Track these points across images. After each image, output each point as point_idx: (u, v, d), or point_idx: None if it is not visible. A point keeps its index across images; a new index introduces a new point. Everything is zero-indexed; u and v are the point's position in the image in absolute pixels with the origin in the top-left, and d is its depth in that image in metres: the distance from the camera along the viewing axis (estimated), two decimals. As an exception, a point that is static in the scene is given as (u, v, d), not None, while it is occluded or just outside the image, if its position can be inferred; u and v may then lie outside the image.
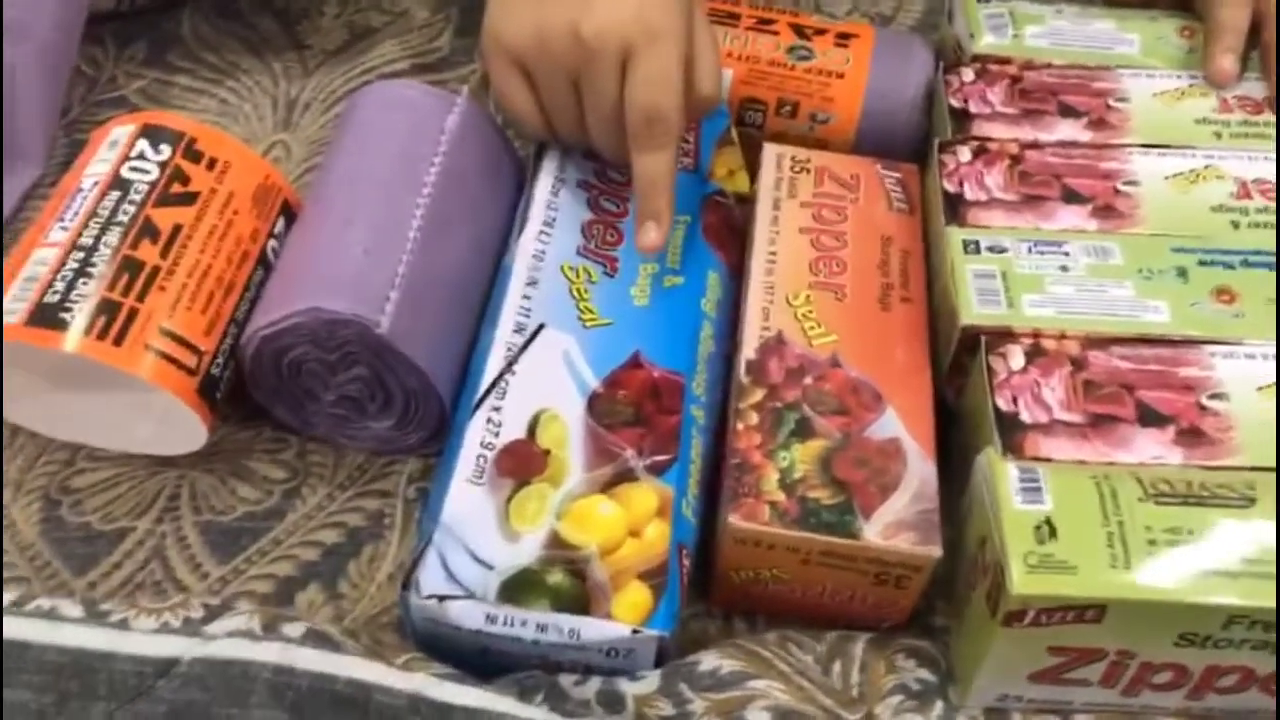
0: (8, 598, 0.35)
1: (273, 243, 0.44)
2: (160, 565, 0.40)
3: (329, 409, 0.42)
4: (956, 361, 0.42)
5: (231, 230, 0.42)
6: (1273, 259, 0.42)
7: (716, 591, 0.39)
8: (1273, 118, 0.47)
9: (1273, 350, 0.39)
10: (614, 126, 0.42)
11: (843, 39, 0.52)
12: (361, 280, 0.39)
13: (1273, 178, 0.45)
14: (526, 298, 0.43)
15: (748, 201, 0.49)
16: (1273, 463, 0.36)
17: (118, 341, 0.37)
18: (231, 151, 0.43)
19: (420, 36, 0.58)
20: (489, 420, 0.39)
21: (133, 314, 0.38)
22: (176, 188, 0.41)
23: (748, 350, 0.42)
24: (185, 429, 0.40)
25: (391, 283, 0.39)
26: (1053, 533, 0.34)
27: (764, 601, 0.40)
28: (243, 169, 0.43)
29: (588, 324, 0.43)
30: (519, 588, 0.35)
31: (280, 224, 0.44)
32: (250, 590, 0.39)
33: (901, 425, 0.39)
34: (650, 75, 0.40)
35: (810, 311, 0.43)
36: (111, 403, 0.40)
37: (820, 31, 0.52)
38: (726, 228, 0.48)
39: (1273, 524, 0.34)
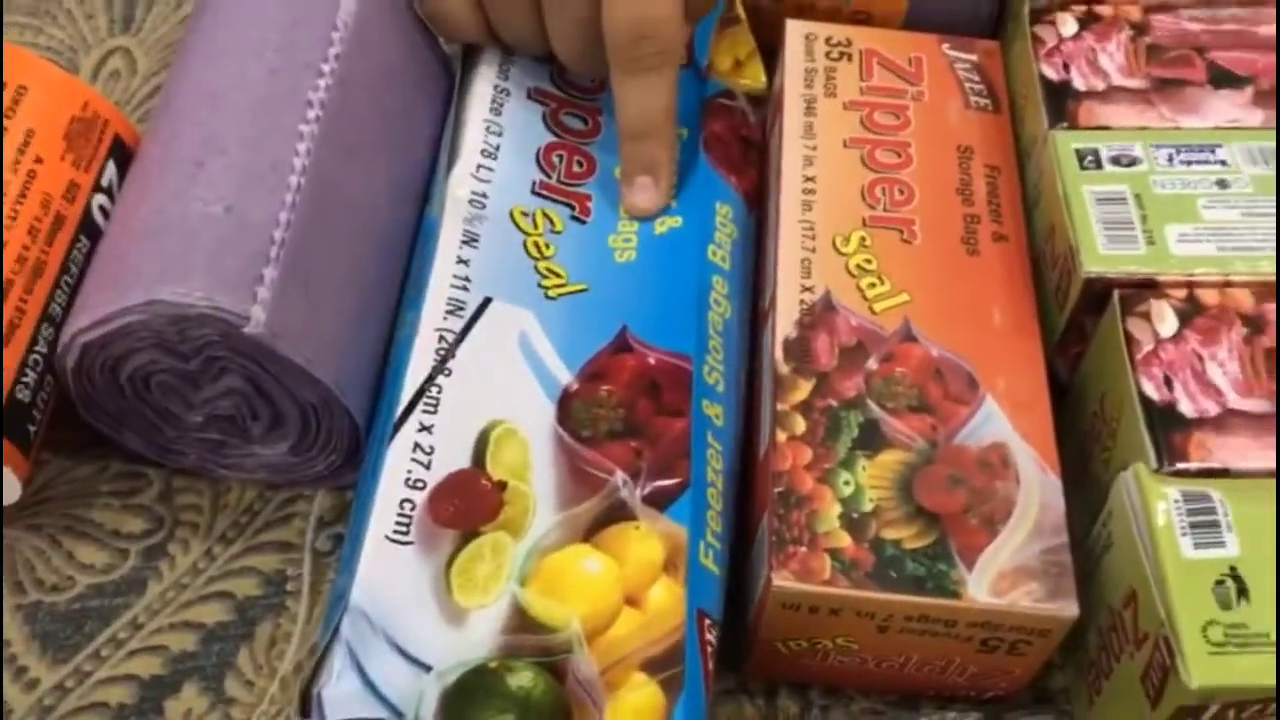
0: None
1: (100, 199, 0.34)
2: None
3: (196, 433, 0.33)
4: (1074, 322, 0.33)
5: (35, 186, 0.33)
6: None
7: (755, 662, 0.32)
8: None
9: None
10: (587, 38, 0.35)
11: None
12: (221, 253, 0.30)
13: None
14: (463, 261, 0.34)
15: (765, 103, 0.40)
16: None
17: None
18: (27, 69, 0.34)
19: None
20: (416, 446, 0.31)
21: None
22: None
23: (784, 325, 0.33)
24: None
25: (265, 254, 0.30)
26: (1242, 591, 0.26)
27: (821, 673, 0.32)
28: (47, 95, 0.34)
29: (553, 292, 0.34)
30: (468, 696, 0.28)
31: (110, 171, 0.35)
32: (100, 701, 0.31)
33: (1008, 422, 0.31)
34: None
35: (869, 261, 0.34)
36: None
37: None
38: (739, 141, 0.39)
39: None
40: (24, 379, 0.31)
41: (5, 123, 0.33)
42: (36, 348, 0.32)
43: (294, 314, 0.30)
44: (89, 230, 0.34)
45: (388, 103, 0.36)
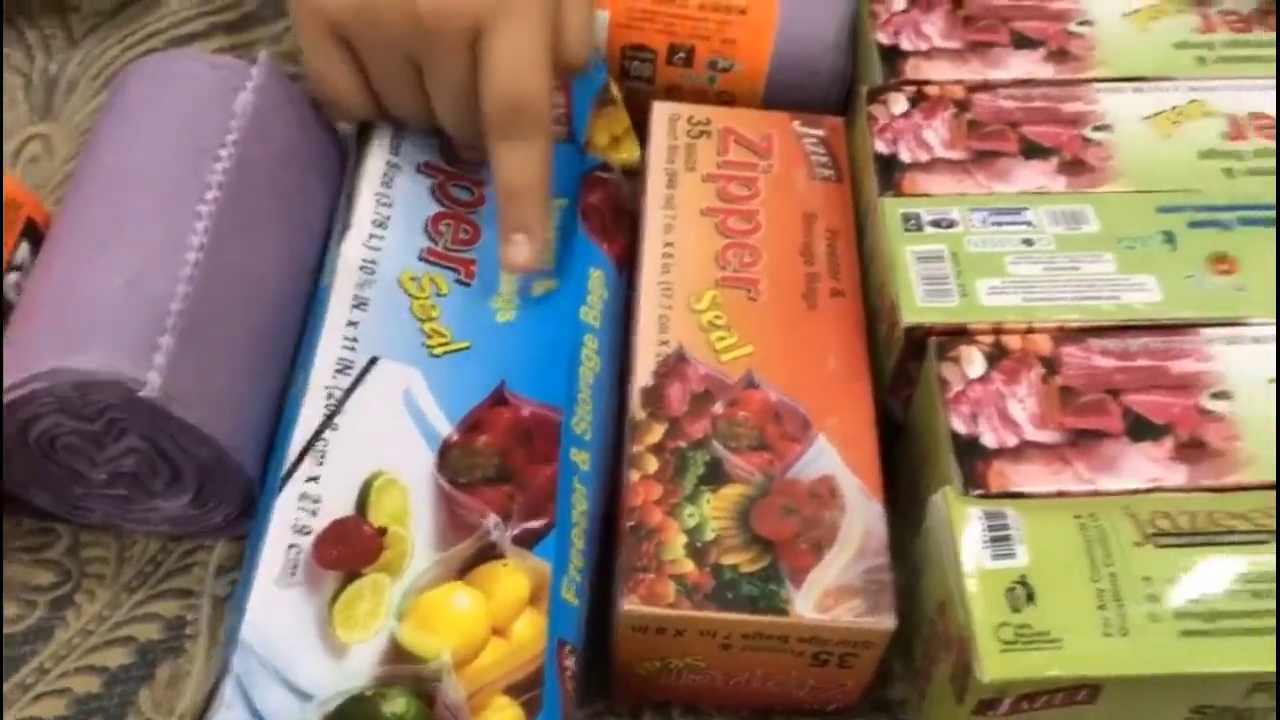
0: None
1: (13, 276, 0.37)
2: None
3: (102, 490, 0.36)
4: (901, 367, 0.37)
5: None
6: (1275, 214, 0.38)
7: (618, 687, 0.35)
8: (1265, 34, 0.44)
9: (1284, 330, 0.36)
10: (468, 110, 0.38)
11: (743, -36, 0.47)
12: (120, 323, 0.33)
13: (1269, 109, 0.41)
14: (352, 324, 0.37)
15: (637, 175, 0.44)
16: (1293, 477, 0.33)
17: None
18: None
19: (220, -13, 0.52)
20: (303, 496, 0.34)
21: None
22: None
23: (642, 375, 0.37)
24: None
25: (162, 324, 0.34)
26: (1030, 596, 0.30)
27: (678, 692, 0.35)
28: None
29: (437, 350, 0.38)
30: (349, 720, 0.30)
31: (24, 251, 0.38)
32: (10, 739, 0.34)
33: (837, 457, 0.35)
34: (507, 56, 0.36)
35: (718, 317, 0.38)
36: None
37: (715, -44, 0.47)
38: (612, 211, 0.43)
39: (1300, 560, 0.30)
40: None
41: None
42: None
43: (188, 378, 0.33)
44: (1, 308, 0.37)
45: (283, 182, 0.40)
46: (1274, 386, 0.34)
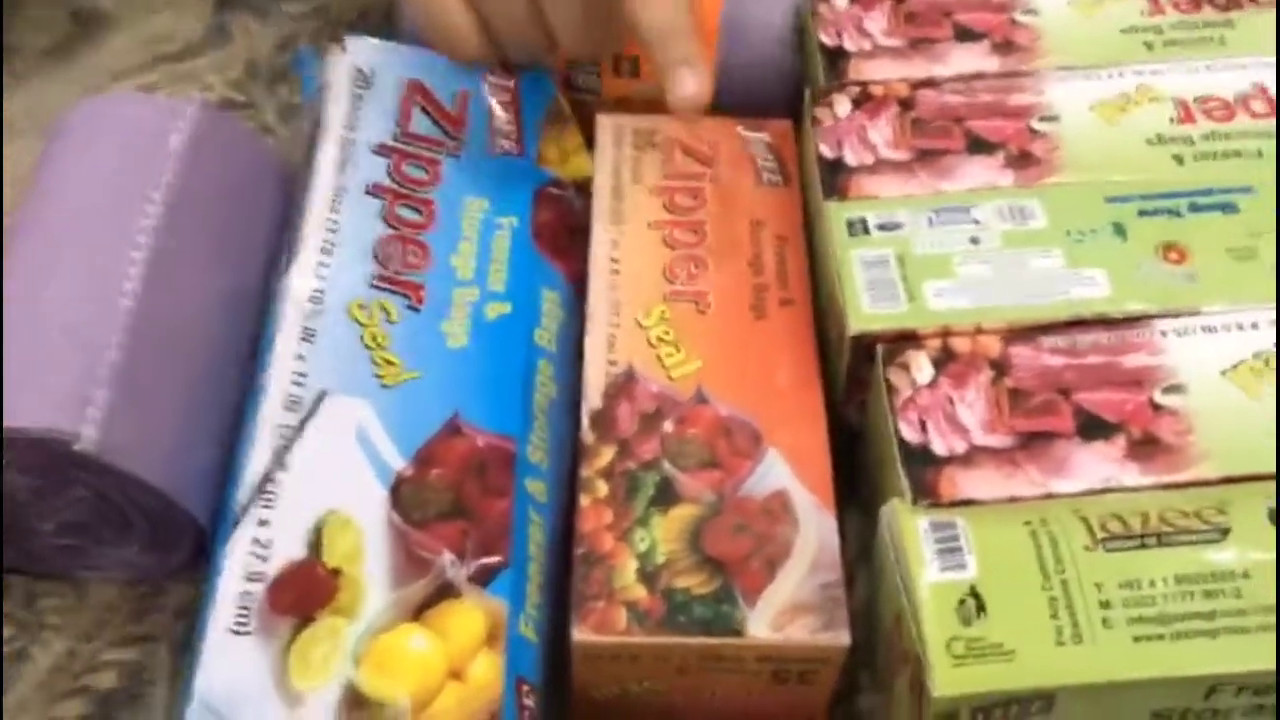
0: None
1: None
2: None
3: (53, 540, 0.36)
4: (853, 374, 0.37)
5: None
6: (1227, 198, 0.38)
7: (579, 716, 0.35)
8: (1216, 15, 0.43)
9: (1239, 319, 0.35)
10: (587, 28, 0.39)
11: (684, -31, 0.46)
12: (54, 376, 0.33)
13: (1219, 92, 0.41)
14: (300, 357, 0.37)
15: (583, 190, 0.44)
16: (1246, 469, 0.32)
17: None
18: None
19: (166, 19, 0.52)
20: (255, 541, 0.33)
21: None
22: None
23: (592, 397, 0.37)
24: None
25: (96, 374, 0.33)
26: (981, 607, 0.29)
27: (643, 717, 0.35)
28: None
29: (388, 381, 0.37)
30: (307, 767, 0.30)
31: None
32: (-29, 800, 0.34)
33: (789, 471, 0.35)
34: None
35: (667, 333, 0.38)
36: None
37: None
38: (565, 229, 0.43)
39: (1254, 556, 0.30)
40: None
41: None
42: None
43: (126, 429, 0.33)
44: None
45: (221, 220, 0.39)
46: (1226, 379, 0.34)
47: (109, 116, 0.39)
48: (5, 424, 0.33)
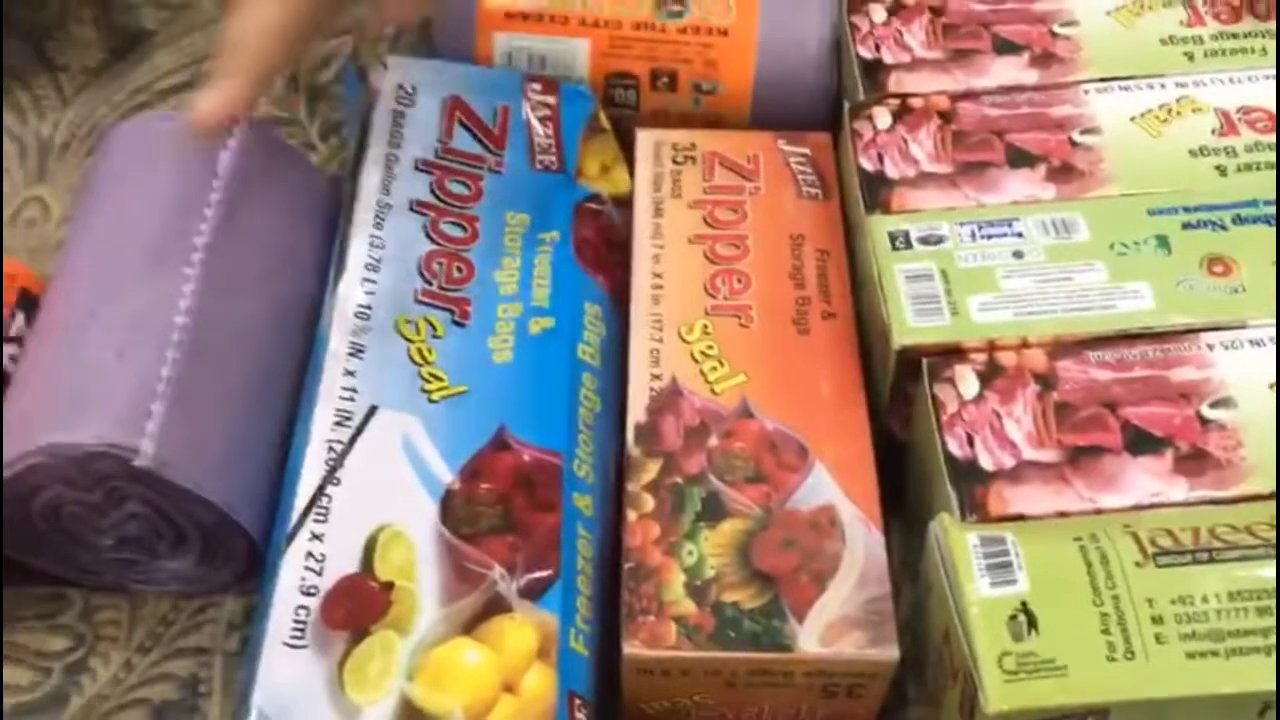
0: None
1: (10, 349, 0.38)
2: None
3: (109, 554, 0.36)
4: (898, 387, 0.37)
5: None
6: (1271, 210, 0.38)
7: (630, 727, 0.35)
8: (1257, 25, 0.43)
9: (1284, 331, 0.35)
10: None
11: (722, -16, 0.46)
12: (113, 395, 0.34)
13: (1261, 102, 0.40)
14: (350, 373, 0.37)
15: (631, 204, 0.44)
16: (1298, 485, 0.32)
17: None
18: None
19: (205, 37, 0.52)
20: (309, 555, 0.34)
21: None
22: None
23: (636, 411, 0.37)
24: None
25: (153, 391, 0.34)
26: (1032, 623, 0.29)
27: (691, 730, 0.35)
28: None
29: (435, 396, 0.38)
30: (363, 782, 0.31)
31: (19, 321, 0.38)
32: (30, 808, 0.34)
33: (835, 485, 0.35)
34: None
35: (710, 347, 0.38)
36: None
37: (694, -23, 0.47)
38: (606, 243, 0.43)
39: (1306, 572, 0.30)
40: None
41: None
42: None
43: (181, 443, 0.34)
44: (1, 380, 0.37)
45: (270, 236, 0.40)
46: (1274, 392, 0.34)
47: (159, 135, 0.40)
48: (65, 440, 0.33)
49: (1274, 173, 0.39)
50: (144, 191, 0.38)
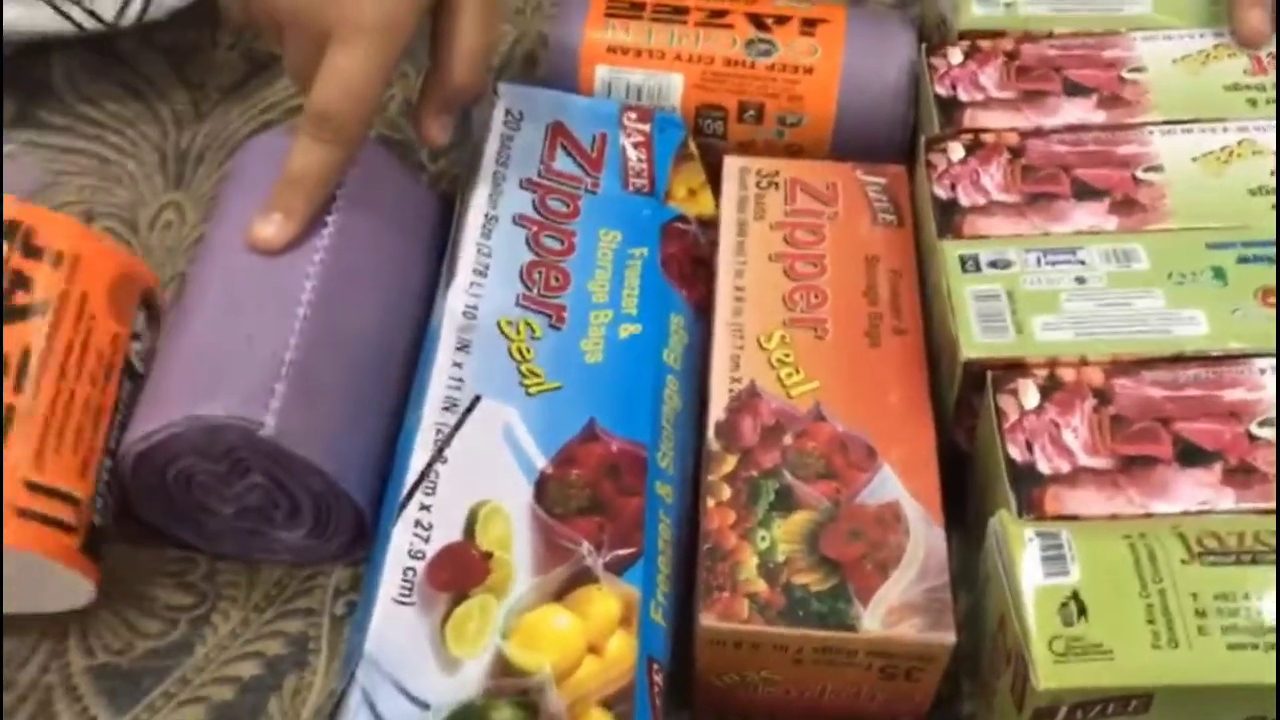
0: None
1: (135, 345, 0.42)
2: (47, 722, 0.38)
3: (232, 523, 0.40)
4: (963, 400, 0.40)
5: (92, 342, 0.40)
6: (1326, 247, 0.40)
7: (700, 697, 0.38)
8: (1316, 74, 0.45)
9: (1333, 359, 0.37)
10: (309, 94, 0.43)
11: (808, 26, 0.50)
12: (242, 374, 0.38)
13: (1320, 148, 0.43)
14: (457, 365, 0.41)
15: (715, 225, 0.48)
16: (1341, 499, 0.34)
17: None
18: (79, 239, 0.41)
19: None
20: (417, 523, 0.37)
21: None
22: (20, 297, 0.39)
23: (716, 410, 0.40)
24: (69, 587, 0.39)
25: (277, 372, 0.38)
26: (1082, 610, 0.32)
27: (757, 705, 0.38)
28: (96, 261, 0.41)
29: (532, 390, 0.41)
30: (461, 727, 0.34)
31: (140, 320, 0.43)
32: (155, 742, 0.38)
33: (900, 484, 0.38)
34: (333, 72, 0.41)
35: (787, 355, 0.41)
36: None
37: (782, 20, 0.50)
38: (690, 260, 0.47)
39: (1345, 577, 0.32)
40: (97, 506, 0.39)
41: (68, 287, 0.40)
42: (103, 476, 0.39)
43: (299, 419, 0.38)
44: (130, 374, 0.41)
45: (383, 243, 0.44)
46: (1321, 413, 0.36)
47: (285, 149, 0.45)
48: (200, 412, 0.37)
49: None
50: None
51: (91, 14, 0.52)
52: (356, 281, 0.43)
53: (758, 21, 0.51)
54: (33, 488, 0.37)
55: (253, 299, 0.41)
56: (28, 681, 0.39)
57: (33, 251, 0.40)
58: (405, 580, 0.36)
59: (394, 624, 0.35)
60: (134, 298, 0.43)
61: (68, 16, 0.52)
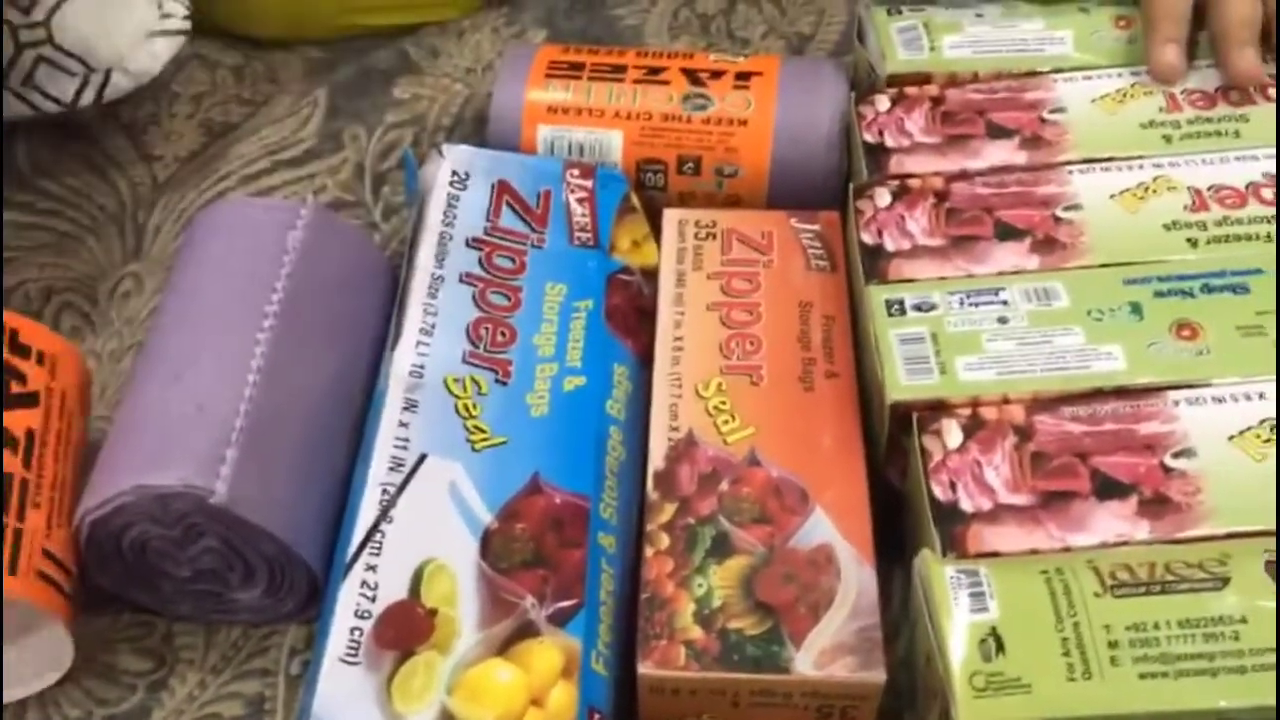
0: None
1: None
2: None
3: (188, 586, 0.42)
4: (894, 440, 0.41)
5: (73, 431, 0.43)
6: (1238, 280, 0.41)
7: (646, 745, 0.39)
8: (1230, 110, 0.47)
9: (1246, 390, 0.39)
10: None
11: (743, 79, 0.52)
12: (192, 442, 0.39)
13: (1231, 181, 0.45)
14: (403, 424, 0.43)
15: (650, 277, 0.49)
16: (1248, 525, 0.35)
17: (13, 570, 0.38)
18: (53, 343, 0.44)
19: (283, 128, 0.59)
20: (364, 583, 0.39)
21: (18, 536, 0.39)
22: (15, 387, 0.42)
23: (655, 459, 0.41)
24: (56, 656, 0.41)
25: (227, 439, 0.39)
26: (1000, 646, 0.33)
27: (702, 748, 0.39)
28: (67, 362, 0.44)
29: (478, 446, 0.43)
30: (407, 782, 0.35)
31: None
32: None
33: (833, 526, 0.39)
34: None
35: (723, 403, 0.43)
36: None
37: (717, 74, 0.52)
38: (634, 310, 0.48)
39: (1252, 603, 0.33)
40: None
41: (51, 384, 0.43)
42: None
43: (251, 485, 0.39)
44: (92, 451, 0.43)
45: (332, 306, 0.46)
46: (1233, 444, 0.37)
47: (236, 217, 0.46)
48: (151, 481, 0.39)
49: (1241, 245, 0.43)
50: (222, 267, 0.45)
51: (50, 98, 0.54)
52: (307, 344, 0.44)
53: (693, 77, 0.52)
54: (46, 555, 0.39)
55: (204, 365, 0.42)
56: (-14, 755, 0.41)
57: (21, 350, 0.42)
58: (352, 640, 0.37)
59: (340, 683, 0.37)
60: (90, 390, 0.45)
61: (27, 100, 0.54)
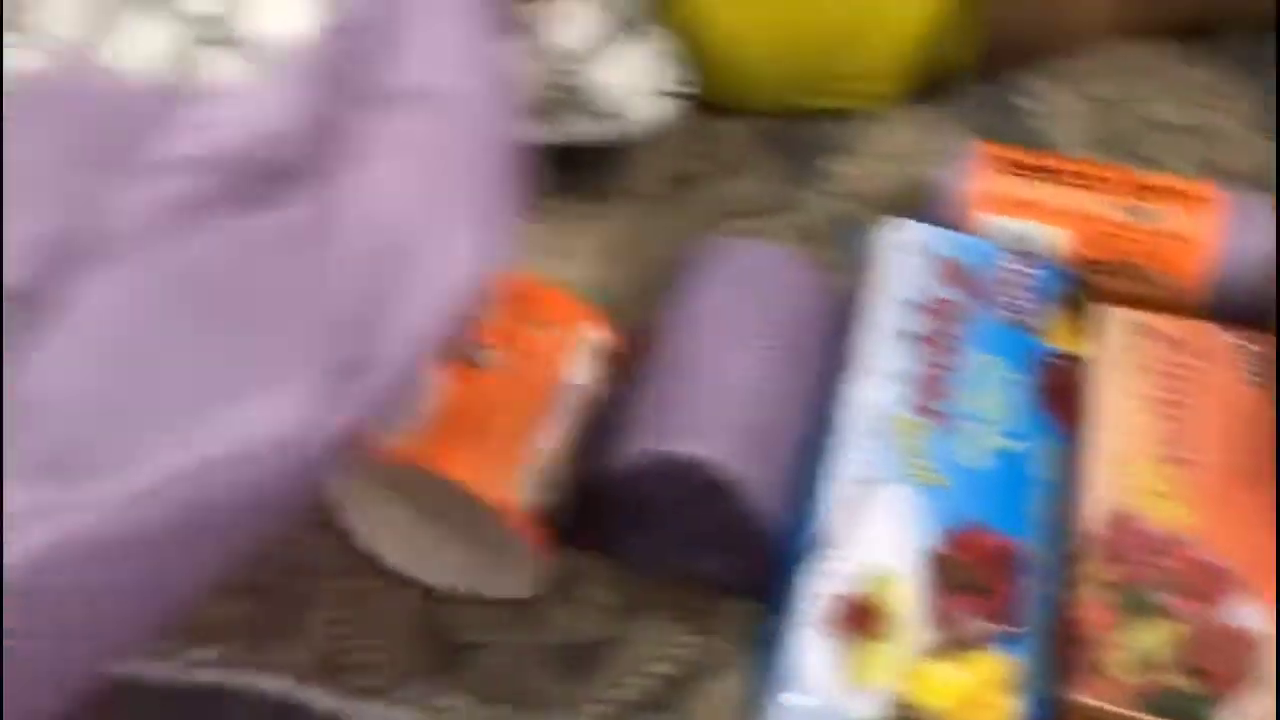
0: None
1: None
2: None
3: (673, 545, 0.51)
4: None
5: None
6: None
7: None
8: None
9: None
10: None
11: (1187, 199, 0.56)
12: (710, 426, 0.49)
13: None
14: (861, 449, 0.50)
15: (1084, 363, 0.54)
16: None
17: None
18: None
19: (744, 185, 0.67)
20: (827, 574, 0.46)
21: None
22: None
23: (1090, 523, 0.47)
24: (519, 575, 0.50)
25: (745, 424, 0.49)
26: None
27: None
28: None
29: (924, 481, 0.49)
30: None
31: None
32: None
33: (1261, 614, 0.43)
34: None
35: (1156, 484, 0.47)
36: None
37: (1159, 190, 0.57)
38: (1065, 390, 0.54)
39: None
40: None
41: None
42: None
43: (753, 470, 0.48)
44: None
45: (804, 338, 0.54)
46: None
47: (732, 253, 0.56)
48: (679, 450, 0.48)
49: None
50: (733, 294, 0.54)
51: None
52: (789, 368, 0.53)
53: (1136, 188, 0.57)
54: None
55: (711, 368, 0.51)
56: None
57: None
58: (819, 616, 0.45)
59: (807, 651, 0.44)
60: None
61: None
